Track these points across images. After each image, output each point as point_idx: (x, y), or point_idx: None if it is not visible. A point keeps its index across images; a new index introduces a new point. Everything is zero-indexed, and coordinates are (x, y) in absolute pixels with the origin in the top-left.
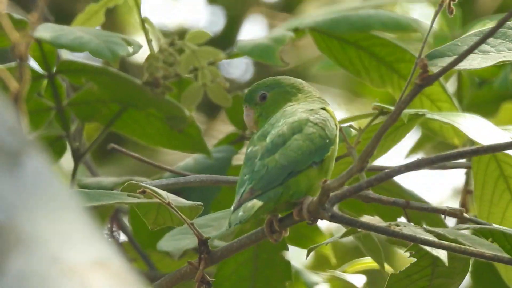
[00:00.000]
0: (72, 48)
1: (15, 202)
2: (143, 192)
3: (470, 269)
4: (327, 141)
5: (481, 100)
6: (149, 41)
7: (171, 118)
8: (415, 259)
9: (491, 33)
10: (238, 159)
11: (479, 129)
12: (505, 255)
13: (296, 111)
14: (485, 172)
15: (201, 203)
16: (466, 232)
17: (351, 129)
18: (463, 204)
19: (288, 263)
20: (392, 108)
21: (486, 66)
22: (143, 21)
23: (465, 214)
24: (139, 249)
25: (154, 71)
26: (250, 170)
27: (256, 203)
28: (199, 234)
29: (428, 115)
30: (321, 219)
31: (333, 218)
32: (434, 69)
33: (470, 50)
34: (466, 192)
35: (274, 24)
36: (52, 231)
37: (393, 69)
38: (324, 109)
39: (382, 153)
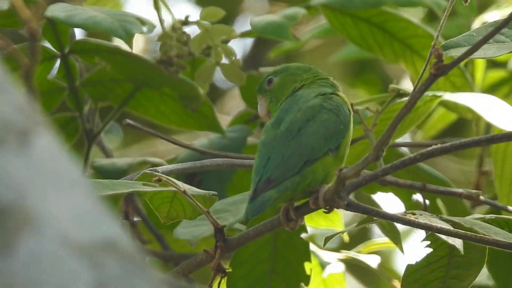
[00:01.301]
0: (86, 27)
1: (24, 181)
2: (159, 181)
3: (488, 261)
4: (342, 127)
5: (495, 81)
6: (161, 20)
7: (184, 97)
8: (432, 249)
9: (504, 24)
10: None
11: (496, 112)
12: None
13: (308, 95)
14: (505, 151)
15: (216, 193)
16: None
17: (367, 112)
18: (477, 185)
19: (307, 244)
20: (409, 90)
21: (501, 55)
22: None
23: (481, 197)
24: (154, 230)
25: (168, 49)
26: (265, 158)
27: (273, 193)
28: (215, 222)
29: (446, 97)
30: (337, 207)
31: (349, 207)
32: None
33: (483, 42)
34: (480, 174)
35: (274, 11)
36: (61, 210)
37: (406, 45)
38: (336, 94)
39: (400, 134)
